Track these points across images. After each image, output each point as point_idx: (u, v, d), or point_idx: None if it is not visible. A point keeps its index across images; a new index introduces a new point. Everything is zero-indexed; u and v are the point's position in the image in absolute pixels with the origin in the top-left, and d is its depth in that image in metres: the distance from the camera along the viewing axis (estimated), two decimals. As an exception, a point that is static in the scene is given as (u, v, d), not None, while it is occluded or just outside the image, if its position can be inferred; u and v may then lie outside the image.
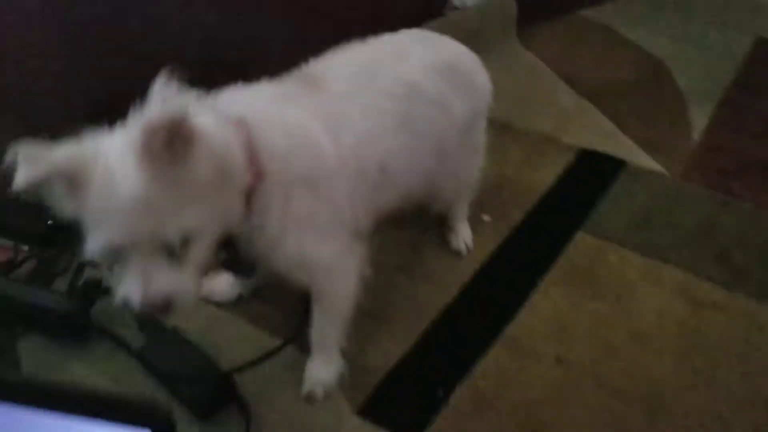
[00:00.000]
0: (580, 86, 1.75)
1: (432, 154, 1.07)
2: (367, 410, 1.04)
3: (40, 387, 0.66)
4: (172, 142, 0.70)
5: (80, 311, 1.05)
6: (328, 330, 1.05)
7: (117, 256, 0.76)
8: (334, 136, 0.93)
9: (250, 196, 0.85)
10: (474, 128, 1.18)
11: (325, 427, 1.01)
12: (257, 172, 0.85)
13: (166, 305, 0.76)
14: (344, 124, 0.95)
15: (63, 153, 0.72)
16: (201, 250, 0.78)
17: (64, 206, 0.75)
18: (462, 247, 1.32)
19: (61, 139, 0.74)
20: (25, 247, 1.21)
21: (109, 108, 0.80)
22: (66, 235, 1.24)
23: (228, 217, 0.83)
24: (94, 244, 0.75)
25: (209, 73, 0.86)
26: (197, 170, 0.74)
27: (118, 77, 1.34)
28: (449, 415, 1.04)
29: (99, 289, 1.11)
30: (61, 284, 1.17)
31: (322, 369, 1.06)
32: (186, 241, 0.76)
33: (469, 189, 1.30)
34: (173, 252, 0.76)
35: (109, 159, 0.73)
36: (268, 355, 1.07)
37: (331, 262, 0.98)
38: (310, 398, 1.05)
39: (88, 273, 1.13)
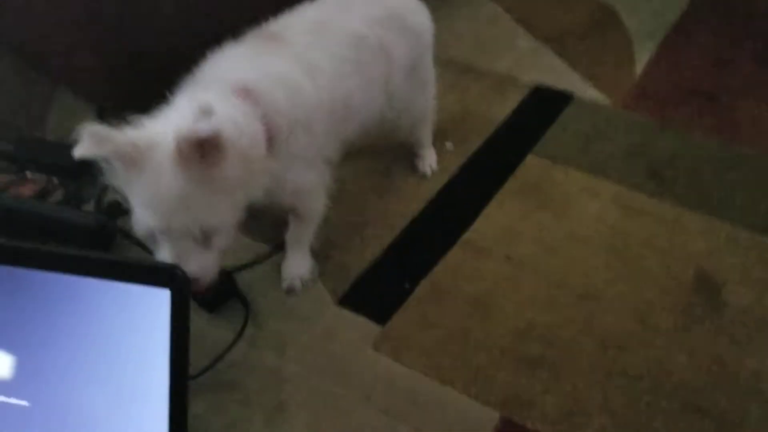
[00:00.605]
0: (536, 31, 1.89)
1: (381, 93, 1.22)
2: (346, 300, 1.21)
3: (74, 255, 0.83)
4: (204, 152, 0.84)
5: (107, 224, 1.21)
6: (302, 235, 1.22)
7: (155, 235, 0.92)
8: (311, 79, 1.07)
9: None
10: (419, 66, 1.31)
11: (310, 313, 1.19)
12: (272, 134, 0.98)
13: (194, 282, 0.91)
14: (316, 68, 1.08)
15: (124, 138, 0.86)
16: (223, 239, 0.95)
17: (115, 178, 0.91)
18: (427, 170, 1.46)
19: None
20: (56, 179, 1.37)
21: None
22: (90, 167, 1.40)
23: (252, 196, 0.97)
24: (138, 224, 0.92)
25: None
26: (227, 171, 0.88)
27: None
28: (413, 302, 1.21)
29: (120, 209, 1.27)
30: (87, 209, 1.34)
31: (298, 265, 1.23)
32: (212, 232, 0.92)
33: (424, 119, 1.42)
34: (200, 239, 0.92)
35: (158, 153, 0.86)
36: (262, 258, 1.25)
37: (313, 186, 1.16)
38: (290, 291, 1.22)
39: (110, 196, 1.30)
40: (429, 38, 1.32)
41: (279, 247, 1.27)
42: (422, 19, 1.29)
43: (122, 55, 1.49)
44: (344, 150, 1.22)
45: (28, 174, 1.35)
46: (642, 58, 1.79)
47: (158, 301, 0.83)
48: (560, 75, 1.74)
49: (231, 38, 1.09)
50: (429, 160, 1.47)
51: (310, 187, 1.15)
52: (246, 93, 0.97)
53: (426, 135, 1.46)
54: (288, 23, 1.13)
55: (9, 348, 0.86)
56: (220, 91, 0.96)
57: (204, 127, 0.82)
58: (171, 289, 0.82)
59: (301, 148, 1.06)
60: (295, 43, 1.09)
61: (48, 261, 0.83)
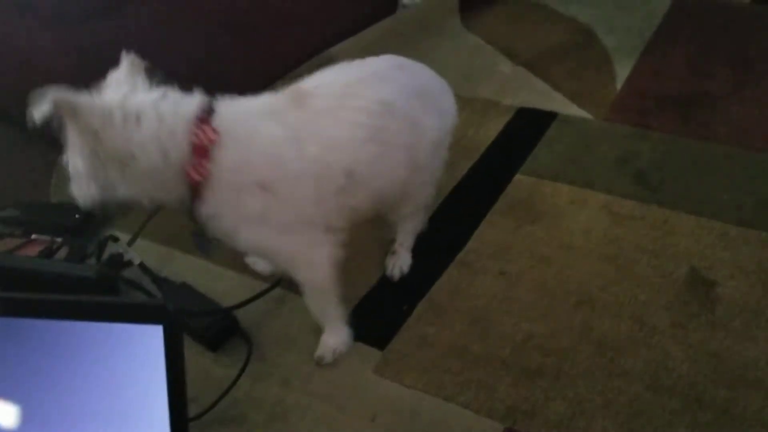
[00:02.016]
0: (517, 57, 1.92)
1: (404, 163, 1.14)
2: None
3: (66, 301, 0.84)
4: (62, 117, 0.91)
5: (108, 274, 1.23)
6: (319, 307, 1.17)
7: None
8: (299, 148, 1.01)
9: (199, 191, 0.97)
10: (441, 145, 1.23)
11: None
12: (200, 174, 0.95)
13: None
14: (313, 135, 1.03)
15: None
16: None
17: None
18: (396, 273, 1.31)
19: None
20: (59, 239, 1.40)
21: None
22: (91, 225, 1.44)
23: (161, 196, 1.00)
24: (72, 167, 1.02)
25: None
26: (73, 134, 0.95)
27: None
28: (411, 324, 1.21)
29: (121, 261, 1.30)
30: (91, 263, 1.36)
31: (331, 338, 1.17)
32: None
33: (419, 209, 1.30)
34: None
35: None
36: (261, 293, 1.26)
37: (292, 252, 1.09)
38: (319, 361, 1.16)
39: (110, 249, 1.33)
40: (452, 123, 1.26)
41: (277, 283, 1.28)
42: (450, 102, 1.26)
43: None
44: (359, 219, 1.17)
45: (34, 236, 1.38)
46: (622, 73, 1.81)
47: (152, 337, 0.84)
48: (543, 96, 1.76)
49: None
50: (401, 262, 1.32)
51: (287, 254, 1.10)
52: (208, 130, 0.96)
53: (407, 233, 1.33)
54: (321, 82, 1.10)
55: (12, 397, 0.87)
56: (165, 109, 0.96)
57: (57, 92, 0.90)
58: (163, 325, 0.83)
59: (257, 210, 1.01)
60: (313, 106, 1.05)
61: (42, 308, 0.85)
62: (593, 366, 1.10)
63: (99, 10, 1.40)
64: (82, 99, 0.93)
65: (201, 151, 0.95)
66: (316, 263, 1.11)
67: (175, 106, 0.96)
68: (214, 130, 0.96)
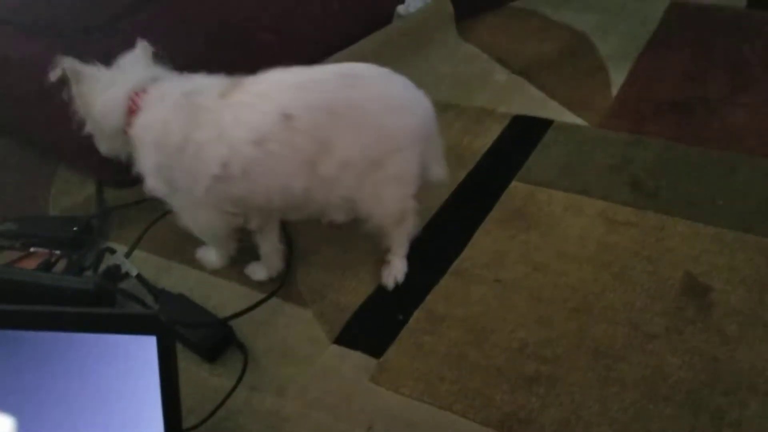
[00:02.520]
0: (512, 65, 1.92)
1: (298, 175, 1.13)
2: (342, 338, 1.21)
3: (59, 312, 0.84)
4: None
5: (106, 286, 1.23)
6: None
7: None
8: (189, 125, 1.13)
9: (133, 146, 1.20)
10: (387, 165, 1.18)
11: (308, 354, 1.18)
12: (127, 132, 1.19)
13: None
14: (209, 121, 1.12)
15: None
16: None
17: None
18: (390, 282, 1.30)
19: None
20: (58, 251, 1.40)
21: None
22: (88, 237, 1.44)
23: (121, 150, 1.25)
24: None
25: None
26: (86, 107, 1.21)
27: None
28: (407, 333, 1.20)
29: (119, 273, 1.30)
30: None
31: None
32: None
33: (396, 223, 1.26)
34: None
35: None
36: (257, 304, 1.26)
37: (203, 227, 1.28)
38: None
39: (108, 261, 1.33)
40: (403, 141, 1.18)
41: (273, 293, 1.29)
42: (403, 123, 1.18)
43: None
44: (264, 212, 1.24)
45: (32, 249, 1.38)
46: (617, 80, 1.81)
47: (146, 348, 0.84)
48: (538, 104, 1.76)
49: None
50: (395, 271, 1.31)
51: (200, 227, 1.28)
52: (144, 90, 1.18)
53: (398, 242, 1.31)
54: (265, 79, 1.15)
55: (6, 409, 0.87)
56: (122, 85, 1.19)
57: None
58: (157, 336, 0.83)
59: (152, 164, 1.19)
60: (233, 96, 1.13)
61: (34, 320, 0.85)
62: (590, 373, 1.10)
63: (94, 24, 1.40)
64: (83, 68, 1.20)
65: (131, 113, 1.18)
66: (216, 237, 1.31)
67: (128, 78, 1.20)
68: (143, 99, 1.17)
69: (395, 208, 1.25)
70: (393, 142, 1.18)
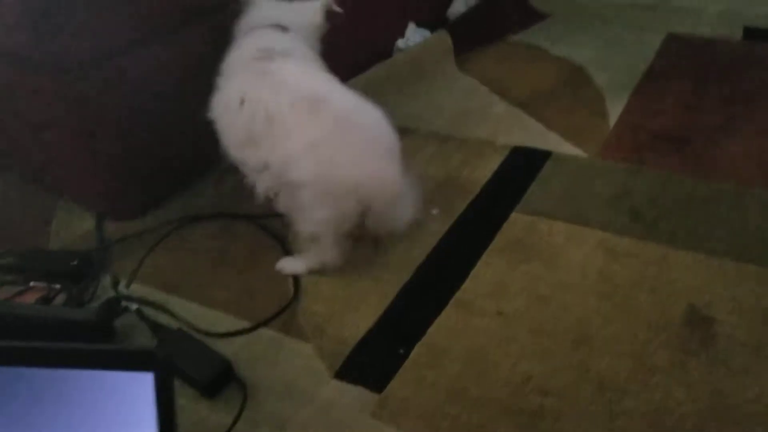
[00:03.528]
0: (511, 97, 1.92)
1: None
2: (343, 373, 1.18)
3: (56, 348, 0.82)
4: None
5: (106, 320, 1.21)
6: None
7: None
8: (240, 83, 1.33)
9: None
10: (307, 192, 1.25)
11: (308, 390, 1.16)
12: None
13: None
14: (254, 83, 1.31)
15: None
16: None
17: None
18: (278, 266, 1.41)
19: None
20: (57, 286, 1.38)
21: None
22: (88, 271, 1.42)
23: None
24: None
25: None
26: None
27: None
28: (409, 367, 1.18)
29: (119, 306, 1.28)
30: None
31: None
32: None
33: (305, 234, 1.35)
34: None
35: None
36: (251, 329, 1.24)
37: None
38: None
39: (108, 294, 1.31)
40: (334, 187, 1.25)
41: (265, 323, 1.27)
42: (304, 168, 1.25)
43: (121, 167, 1.55)
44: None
45: (32, 283, 1.37)
46: (614, 111, 1.81)
47: (143, 385, 0.82)
48: (537, 135, 1.76)
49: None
50: (286, 263, 1.41)
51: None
52: None
53: (308, 250, 1.38)
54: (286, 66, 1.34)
55: (3, 448, 0.84)
56: None
57: None
58: (154, 372, 0.81)
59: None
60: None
61: (29, 356, 0.83)
62: (594, 406, 1.07)
63: (96, 59, 1.40)
64: None
65: None
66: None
67: None
68: None
69: (305, 227, 1.33)
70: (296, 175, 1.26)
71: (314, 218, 1.29)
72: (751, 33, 2.12)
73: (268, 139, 1.27)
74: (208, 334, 1.23)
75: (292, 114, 1.25)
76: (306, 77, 1.33)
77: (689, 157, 1.61)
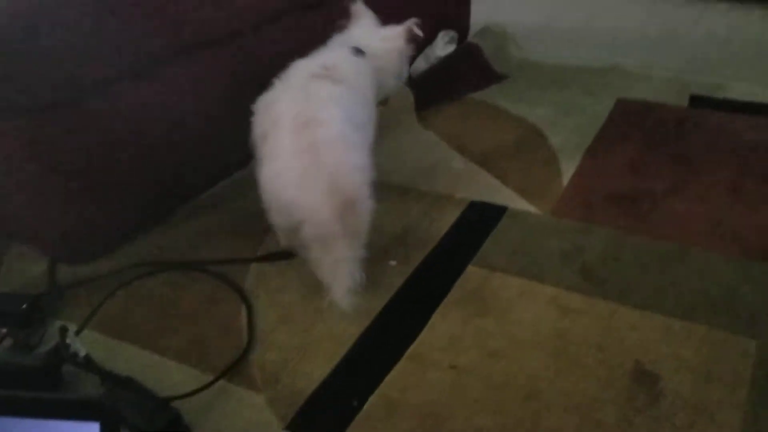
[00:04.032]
0: (469, 153, 1.97)
1: None
2: (294, 424, 1.17)
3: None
4: None
5: (54, 367, 1.18)
6: None
7: None
8: None
9: None
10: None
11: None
12: None
13: None
14: None
15: None
16: None
17: None
18: None
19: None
20: (3, 329, 1.35)
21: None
22: (37, 316, 1.39)
23: None
24: None
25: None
26: None
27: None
28: (362, 420, 1.17)
29: (67, 352, 1.25)
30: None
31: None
32: None
33: None
34: None
35: None
36: (204, 386, 1.22)
37: None
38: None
39: (56, 339, 1.28)
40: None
41: (222, 375, 1.25)
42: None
43: (76, 210, 1.53)
44: None
45: (-23, 327, 1.33)
46: (568, 171, 1.87)
47: (89, 436, 0.80)
48: (494, 191, 1.80)
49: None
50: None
51: None
52: None
53: None
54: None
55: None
56: None
57: None
58: (100, 422, 0.79)
59: None
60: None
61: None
62: (543, 463, 1.08)
63: (54, 102, 1.40)
64: None
65: None
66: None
67: None
68: None
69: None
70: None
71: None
72: (696, 100, 2.23)
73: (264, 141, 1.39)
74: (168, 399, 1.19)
75: (280, 129, 1.35)
76: (317, 104, 1.39)
77: (638, 217, 1.66)
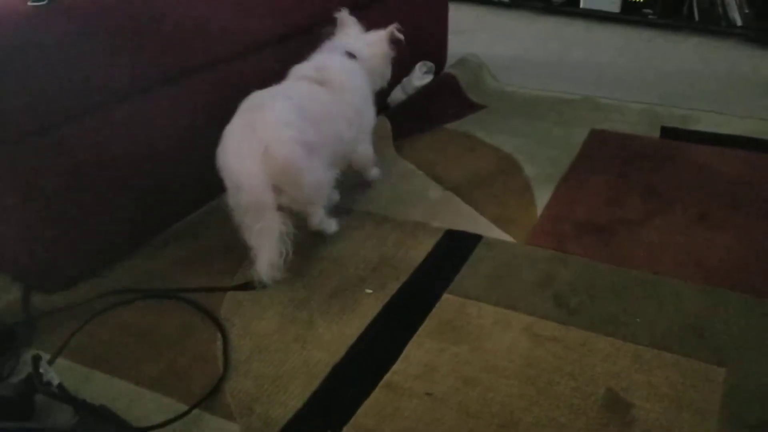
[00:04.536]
0: (445, 182, 1.99)
1: None
2: (269, 453, 1.18)
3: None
4: None
5: (26, 397, 1.17)
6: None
7: None
8: None
9: None
10: None
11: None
12: None
13: None
14: None
15: None
16: None
17: None
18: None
19: None
20: (-26, 358, 1.33)
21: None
22: (9, 344, 1.37)
23: None
24: None
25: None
26: None
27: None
28: (337, 449, 1.18)
29: (40, 382, 1.24)
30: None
31: None
32: None
33: None
34: None
35: None
36: (181, 416, 1.21)
37: None
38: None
39: (29, 368, 1.26)
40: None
41: (197, 404, 1.24)
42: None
43: (51, 237, 1.52)
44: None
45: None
46: (541, 200, 1.90)
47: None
48: (469, 220, 1.82)
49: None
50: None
51: None
52: None
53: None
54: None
55: None
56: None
57: None
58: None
59: None
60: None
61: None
62: (516, 491, 1.09)
63: (32, 130, 1.40)
64: None
65: None
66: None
67: None
68: None
69: None
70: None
71: None
72: (667, 131, 2.28)
73: None
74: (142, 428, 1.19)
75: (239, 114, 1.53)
76: (270, 95, 1.57)
77: (610, 246, 1.69)
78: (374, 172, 1.97)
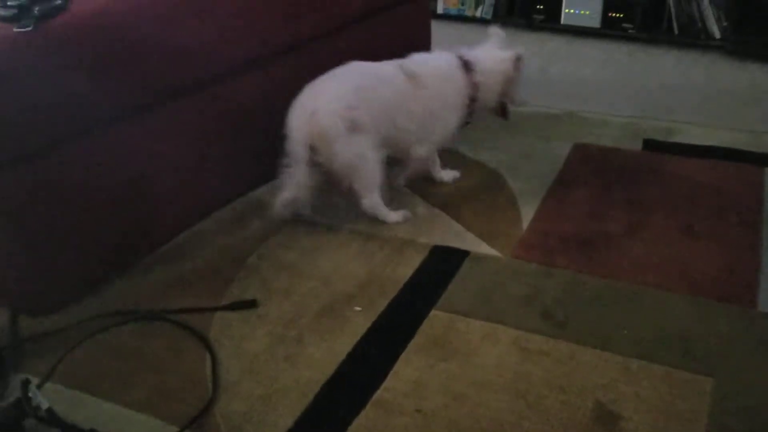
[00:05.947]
0: (432, 199, 2.01)
1: None
2: (260, 474, 1.18)
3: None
4: None
5: (15, 421, 1.16)
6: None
7: None
8: None
9: None
10: None
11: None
12: None
13: None
14: None
15: None
16: None
17: None
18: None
19: None
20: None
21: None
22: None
23: None
24: None
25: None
26: None
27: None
28: (328, 467, 1.18)
29: (29, 405, 1.23)
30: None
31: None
32: None
33: None
34: None
35: None
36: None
37: None
38: None
39: (18, 392, 1.26)
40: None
41: (188, 425, 1.24)
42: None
43: (38, 260, 1.52)
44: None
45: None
46: (527, 215, 1.91)
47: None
48: (456, 235, 1.83)
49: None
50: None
51: None
52: None
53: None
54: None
55: None
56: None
57: None
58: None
59: None
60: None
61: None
62: (507, 506, 1.09)
63: (19, 156, 1.41)
64: None
65: None
66: None
67: None
68: None
69: None
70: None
71: None
72: (649, 144, 2.32)
73: None
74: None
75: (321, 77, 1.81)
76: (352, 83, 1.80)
77: (595, 259, 1.71)
78: (441, 174, 2.10)
